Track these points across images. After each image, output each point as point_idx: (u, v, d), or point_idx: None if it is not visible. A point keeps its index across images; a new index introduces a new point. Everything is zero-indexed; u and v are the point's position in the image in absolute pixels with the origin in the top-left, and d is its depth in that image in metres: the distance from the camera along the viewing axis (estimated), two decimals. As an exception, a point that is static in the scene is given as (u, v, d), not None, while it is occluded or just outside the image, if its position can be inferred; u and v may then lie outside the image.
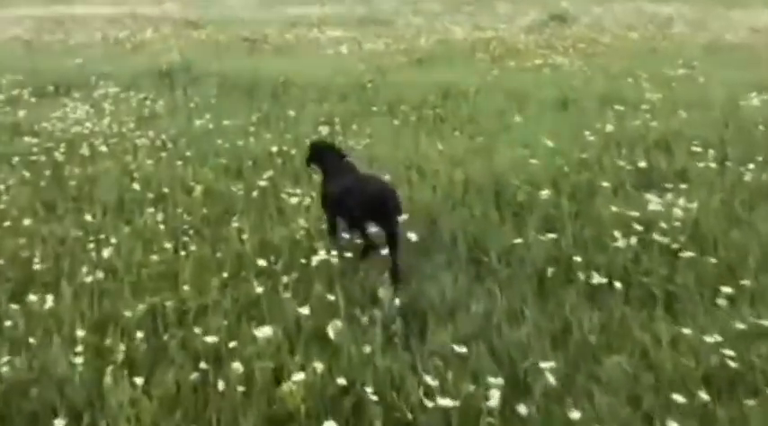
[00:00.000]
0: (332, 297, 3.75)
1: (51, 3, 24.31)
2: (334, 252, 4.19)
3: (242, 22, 18.69)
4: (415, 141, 6.98)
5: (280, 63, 11.40)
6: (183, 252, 4.42)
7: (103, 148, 6.83)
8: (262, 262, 4.26)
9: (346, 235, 4.57)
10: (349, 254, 4.26)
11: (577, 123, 7.25)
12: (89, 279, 4.01)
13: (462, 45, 13.28)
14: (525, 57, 11.01)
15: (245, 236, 4.72)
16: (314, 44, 13.90)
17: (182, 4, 23.73)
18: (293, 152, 6.44)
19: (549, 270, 4.02)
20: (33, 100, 9.08)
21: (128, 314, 3.65)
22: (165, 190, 5.59)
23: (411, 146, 6.82)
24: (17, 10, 22.66)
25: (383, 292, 3.78)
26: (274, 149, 6.46)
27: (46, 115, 7.97)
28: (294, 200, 5.28)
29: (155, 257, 4.40)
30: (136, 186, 5.63)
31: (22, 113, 8.20)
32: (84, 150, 6.76)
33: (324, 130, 7.28)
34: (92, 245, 4.58)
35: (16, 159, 6.48)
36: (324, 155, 4.77)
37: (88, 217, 5.20)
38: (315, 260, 4.07)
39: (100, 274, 4.09)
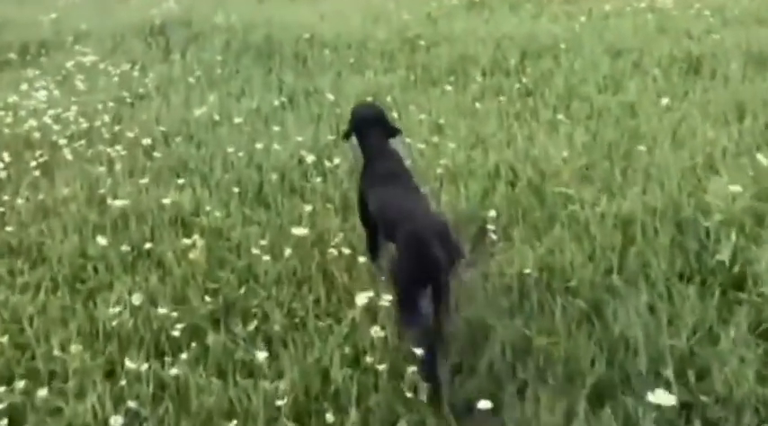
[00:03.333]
0: None
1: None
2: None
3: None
4: (506, 132, 4.89)
5: (299, 11, 9.17)
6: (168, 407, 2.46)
7: (68, 155, 4.81)
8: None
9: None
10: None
11: (735, 100, 5.10)
12: None
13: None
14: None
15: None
16: (337, -17, 11.51)
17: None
18: (336, 162, 4.38)
19: None
20: (-14, 74, 7.02)
21: None
22: (148, 244, 3.60)
23: (501, 139, 4.74)
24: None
25: None
26: (309, 159, 4.39)
27: (-5, 100, 5.91)
28: (350, 268, 3.30)
29: (118, 419, 2.45)
30: (102, 240, 3.61)
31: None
32: (39, 159, 4.76)
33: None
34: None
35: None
36: (367, 133, 3.36)
37: (27, 297, 3.28)
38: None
39: None
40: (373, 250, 3.34)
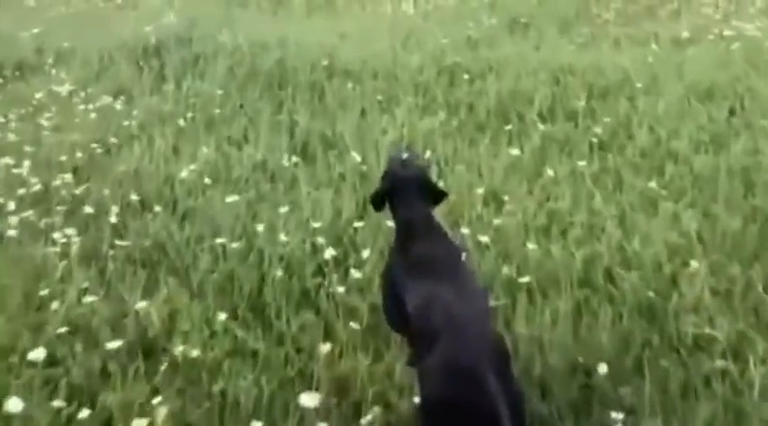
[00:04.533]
0: None
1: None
2: None
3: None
4: (587, 209, 3.70)
5: (317, 28, 8.01)
6: None
7: (9, 230, 3.65)
8: None
9: None
10: None
11: None
12: None
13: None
14: (685, 23, 7.43)
15: None
16: (361, -4, 10.34)
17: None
18: (364, 254, 3.19)
19: None
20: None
21: None
22: (83, 411, 2.43)
23: (584, 222, 3.55)
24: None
25: None
26: (328, 254, 3.20)
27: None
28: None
29: None
30: (20, 402, 2.42)
31: None
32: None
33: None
34: None
35: None
36: (404, 199, 2.59)
37: None
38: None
39: None
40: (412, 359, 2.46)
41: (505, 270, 3.07)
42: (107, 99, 5.60)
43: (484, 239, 3.23)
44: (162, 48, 7.01)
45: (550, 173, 4.11)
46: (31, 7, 10.56)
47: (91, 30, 8.04)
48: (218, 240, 3.34)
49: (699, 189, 3.91)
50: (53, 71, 6.44)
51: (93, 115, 5.25)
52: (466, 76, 5.86)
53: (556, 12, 8.43)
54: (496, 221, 3.46)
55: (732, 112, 4.96)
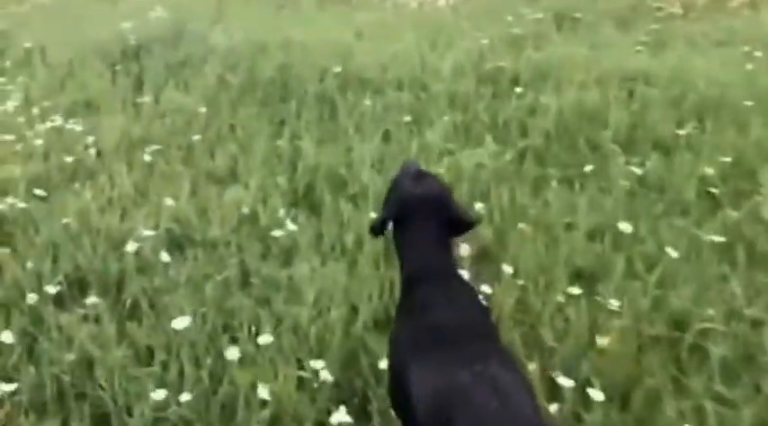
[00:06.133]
0: None
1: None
2: None
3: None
4: (722, 296, 2.48)
5: (329, 29, 6.74)
6: None
7: None
8: None
9: None
10: None
11: None
12: None
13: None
14: None
15: None
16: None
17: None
18: None
19: None
20: None
21: None
22: None
23: (730, 333, 2.34)
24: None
25: None
26: (336, 419, 2.00)
27: None
28: None
29: None
30: None
31: None
32: None
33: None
34: None
35: None
36: (417, 229, 1.82)
37: None
38: None
39: None
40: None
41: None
42: (63, 118, 4.42)
43: (596, 394, 2.00)
44: (141, 49, 5.82)
45: (656, 243, 2.89)
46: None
47: (62, 27, 6.84)
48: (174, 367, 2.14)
49: None
50: (2, 79, 5.26)
51: (39, 142, 4.07)
52: (518, 89, 4.62)
53: (607, 3, 7.15)
54: (602, 342, 2.23)
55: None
